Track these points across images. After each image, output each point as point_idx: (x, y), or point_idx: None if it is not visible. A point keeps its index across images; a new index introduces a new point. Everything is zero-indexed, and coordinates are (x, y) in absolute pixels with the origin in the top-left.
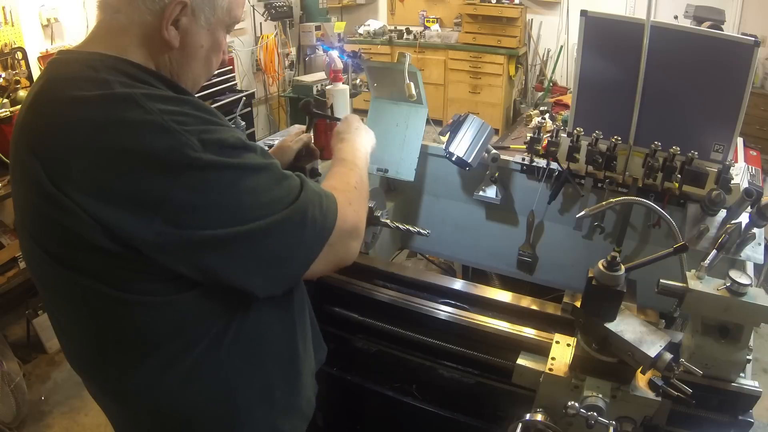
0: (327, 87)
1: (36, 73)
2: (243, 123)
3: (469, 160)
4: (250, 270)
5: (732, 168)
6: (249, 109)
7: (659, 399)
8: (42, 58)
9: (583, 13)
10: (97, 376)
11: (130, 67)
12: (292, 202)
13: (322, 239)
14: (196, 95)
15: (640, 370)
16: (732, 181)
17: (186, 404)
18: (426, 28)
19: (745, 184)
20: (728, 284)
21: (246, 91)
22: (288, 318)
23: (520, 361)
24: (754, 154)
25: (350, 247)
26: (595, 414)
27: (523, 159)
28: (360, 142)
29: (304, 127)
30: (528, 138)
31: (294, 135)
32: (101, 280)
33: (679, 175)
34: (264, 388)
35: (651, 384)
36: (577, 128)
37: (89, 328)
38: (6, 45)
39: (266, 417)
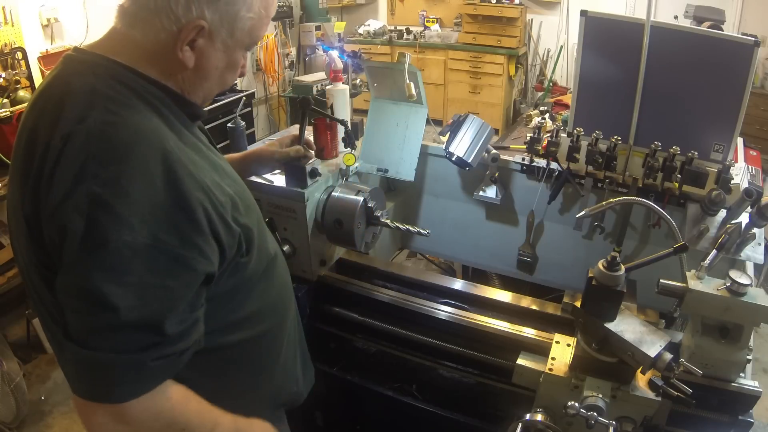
0: (327, 87)
1: (36, 74)
2: (243, 123)
3: (469, 160)
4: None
5: (732, 168)
6: (249, 109)
7: (659, 399)
8: (42, 58)
9: (583, 13)
10: None
11: (138, 79)
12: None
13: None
14: None
15: (640, 370)
16: (732, 181)
17: None
18: (426, 28)
19: (745, 184)
20: (728, 284)
21: (246, 91)
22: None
23: (520, 361)
24: (754, 154)
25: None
26: (595, 414)
27: (523, 159)
28: None
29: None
30: (528, 138)
31: (288, 138)
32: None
33: (679, 175)
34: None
35: (651, 384)
36: (577, 128)
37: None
38: (6, 45)
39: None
